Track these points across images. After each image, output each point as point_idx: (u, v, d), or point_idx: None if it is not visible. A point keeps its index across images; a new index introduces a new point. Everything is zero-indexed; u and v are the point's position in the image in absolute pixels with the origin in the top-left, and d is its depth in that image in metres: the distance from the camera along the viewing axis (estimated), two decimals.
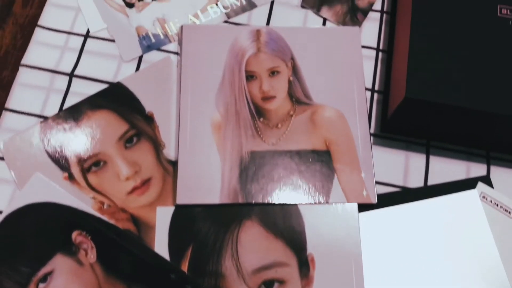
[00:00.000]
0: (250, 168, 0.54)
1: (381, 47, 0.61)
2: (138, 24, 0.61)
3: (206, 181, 0.53)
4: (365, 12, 0.63)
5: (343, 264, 0.50)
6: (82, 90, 0.57)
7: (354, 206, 0.52)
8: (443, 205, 0.53)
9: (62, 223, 0.51)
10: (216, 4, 0.62)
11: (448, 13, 0.53)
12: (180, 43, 0.60)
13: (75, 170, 0.53)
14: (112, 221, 0.52)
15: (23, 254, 0.50)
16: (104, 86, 0.58)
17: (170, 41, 0.60)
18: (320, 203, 0.52)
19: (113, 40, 0.60)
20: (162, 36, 0.60)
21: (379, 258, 0.51)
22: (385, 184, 0.55)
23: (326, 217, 0.52)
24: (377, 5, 0.64)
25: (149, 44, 0.60)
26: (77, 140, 0.54)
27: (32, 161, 0.54)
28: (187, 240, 0.51)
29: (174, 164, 0.54)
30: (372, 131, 0.57)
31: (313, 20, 0.62)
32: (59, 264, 0.50)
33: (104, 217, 0.52)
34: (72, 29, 0.61)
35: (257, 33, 0.59)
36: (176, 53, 0.60)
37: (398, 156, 0.56)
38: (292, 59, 0.59)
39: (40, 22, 0.61)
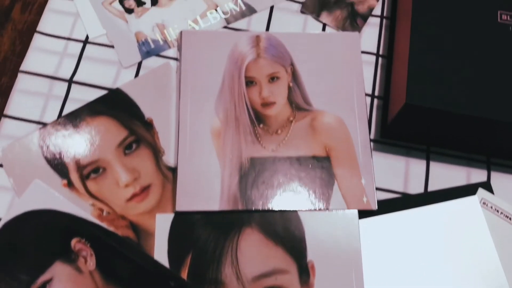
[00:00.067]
0: (250, 174, 0.54)
1: (381, 52, 0.61)
2: (137, 30, 0.61)
3: (206, 187, 0.53)
4: (364, 17, 0.63)
5: (343, 271, 0.50)
6: (81, 97, 0.57)
7: (355, 212, 0.52)
8: (444, 211, 0.53)
9: (61, 230, 0.51)
10: (216, 10, 0.62)
11: (448, 19, 0.53)
12: (179, 48, 0.60)
13: (74, 177, 0.53)
14: (111, 228, 0.52)
15: (22, 261, 0.50)
16: (103, 92, 0.57)
17: (169, 47, 0.60)
18: (320, 209, 0.52)
19: (112, 46, 0.60)
20: (161, 42, 0.60)
21: (380, 265, 0.51)
22: (385, 190, 0.55)
23: (326, 224, 0.52)
24: (377, 10, 0.64)
25: (148, 50, 0.60)
26: (76, 147, 0.54)
27: (31, 168, 0.54)
28: (187, 247, 0.51)
29: (174, 170, 0.54)
30: (372, 136, 0.57)
31: (312, 25, 0.62)
32: (58, 271, 0.49)
33: (104, 224, 0.52)
34: (71, 35, 0.60)
35: (257, 38, 0.59)
36: (176, 59, 0.60)
37: (398, 162, 0.56)
38: (292, 64, 0.59)
39: (39, 28, 0.60)
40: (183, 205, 0.52)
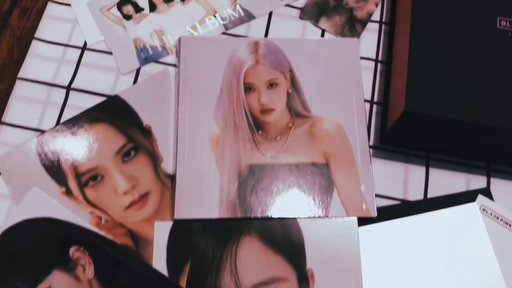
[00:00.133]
0: (249, 181, 0.53)
1: (380, 58, 0.61)
2: (136, 36, 0.60)
3: (205, 195, 0.52)
4: (363, 23, 0.62)
5: (343, 279, 0.50)
6: (79, 103, 0.57)
7: (354, 220, 0.52)
8: (443, 218, 0.53)
9: (60, 238, 0.51)
10: (214, 16, 0.62)
11: (448, 25, 0.53)
12: (178, 55, 0.60)
13: (73, 185, 0.53)
14: (110, 236, 0.51)
15: (20, 270, 0.50)
16: (101, 99, 0.57)
17: (168, 53, 0.60)
18: (319, 217, 0.52)
19: (110, 53, 0.60)
20: (160, 48, 0.60)
21: (380, 273, 0.51)
22: (385, 197, 0.54)
23: (325, 231, 0.52)
24: (376, 16, 0.63)
25: (146, 56, 0.60)
26: (74, 154, 0.54)
27: (29, 176, 0.53)
28: (186, 255, 0.51)
29: (172, 178, 0.54)
30: (371, 143, 0.57)
31: (311, 31, 0.62)
32: (57, 280, 0.49)
33: (102, 232, 0.51)
34: (69, 42, 0.60)
35: (255, 45, 0.59)
36: (174, 65, 0.60)
37: (397, 168, 0.56)
38: (291, 71, 0.58)
39: (37, 35, 0.60)
40: (181, 213, 0.52)
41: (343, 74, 0.59)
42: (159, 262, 0.50)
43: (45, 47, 0.60)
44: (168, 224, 0.52)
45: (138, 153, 0.54)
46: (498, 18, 0.53)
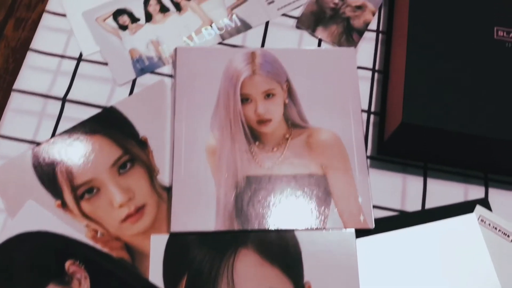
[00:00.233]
0: (245, 193, 0.53)
1: (377, 67, 0.61)
2: (132, 47, 0.60)
3: (201, 207, 0.52)
4: (360, 32, 0.62)
5: None
6: (75, 115, 0.57)
7: (351, 232, 0.52)
8: (441, 229, 0.53)
9: (55, 252, 0.51)
10: (211, 26, 0.62)
11: (445, 36, 0.53)
12: (174, 65, 0.59)
13: (68, 197, 0.53)
14: (105, 250, 0.51)
15: (16, 284, 0.49)
16: (97, 110, 0.57)
17: (164, 64, 0.60)
18: (317, 228, 0.52)
19: (106, 63, 0.59)
20: (156, 59, 0.60)
21: (377, 285, 0.50)
22: (382, 208, 0.54)
23: (323, 244, 0.51)
24: (373, 25, 0.63)
25: (142, 67, 0.59)
26: (70, 167, 0.54)
27: (24, 189, 0.53)
28: (182, 269, 0.50)
29: (169, 190, 0.54)
30: (368, 153, 0.57)
31: (308, 40, 0.62)
32: None
33: (98, 246, 0.51)
34: (65, 52, 0.60)
35: (252, 55, 0.59)
36: (170, 76, 0.59)
37: (395, 179, 0.56)
38: (288, 81, 0.58)
39: (32, 46, 0.60)
40: (178, 225, 0.51)
41: (340, 84, 0.58)
42: (155, 275, 0.50)
43: (41, 58, 0.59)
44: (165, 237, 0.51)
45: (134, 165, 0.54)
46: (495, 28, 0.53)
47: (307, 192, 0.53)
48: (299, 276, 0.50)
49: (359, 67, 0.61)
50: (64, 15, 0.62)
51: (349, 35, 0.62)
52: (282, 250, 0.51)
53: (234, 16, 0.62)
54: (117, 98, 0.58)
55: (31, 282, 0.49)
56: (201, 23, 0.62)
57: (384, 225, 0.53)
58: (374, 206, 0.54)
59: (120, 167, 0.54)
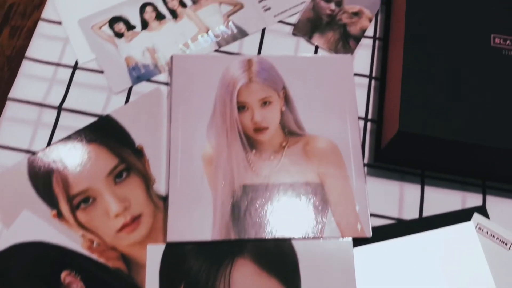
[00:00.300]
0: (242, 202, 0.53)
1: (374, 74, 0.61)
2: (128, 55, 0.60)
3: (197, 217, 0.52)
4: (357, 39, 0.62)
5: None
6: (70, 124, 0.56)
7: (349, 241, 0.52)
8: (439, 238, 0.53)
9: (51, 263, 0.50)
10: (207, 33, 0.62)
11: (441, 43, 0.53)
12: (170, 73, 0.59)
13: (64, 207, 0.52)
14: (101, 260, 0.51)
15: None
16: (93, 119, 0.57)
17: (160, 72, 0.59)
18: (314, 237, 0.52)
19: (102, 72, 0.59)
20: (152, 67, 0.60)
21: None
22: (380, 216, 0.54)
23: (320, 253, 0.51)
24: (370, 31, 0.63)
25: (138, 75, 0.59)
26: (65, 176, 0.53)
27: (19, 198, 0.53)
28: (179, 279, 0.50)
29: (165, 199, 0.53)
30: (365, 161, 0.57)
31: (305, 47, 0.62)
32: None
33: (94, 256, 0.51)
34: (60, 61, 0.60)
35: (248, 62, 0.59)
36: (167, 84, 0.59)
37: (392, 186, 0.55)
38: (284, 88, 0.58)
39: (27, 54, 0.60)
40: (174, 235, 0.51)
41: (337, 91, 0.58)
42: (152, 286, 0.50)
43: (36, 67, 0.59)
44: (161, 247, 0.51)
45: (130, 174, 0.54)
46: (492, 36, 0.53)
47: (304, 200, 0.53)
48: (297, 285, 0.50)
49: (356, 74, 0.61)
50: (59, 23, 0.62)
51: (346, 42, 0.62)
52: (279, 260, 0.51)
53: (230, 23, 0.62)
54: (113, 106, 0.57)
55: None
56: (197, 30, 0.62)
57: (381, 233, 0.53)
58: (371, 214, 0.54)
59: (116, 176, 0.54)
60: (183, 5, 0.63)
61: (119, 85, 0.58)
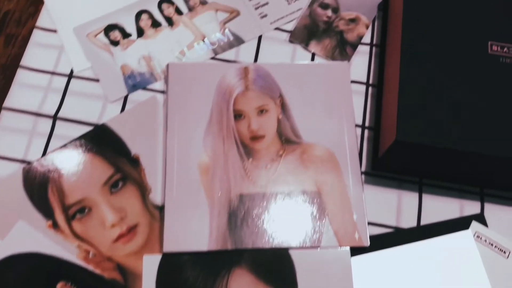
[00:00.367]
0: (239, 212, 0.52)
1: (371, 81, 0.60)
2: (123, 63, 0.60)
3: (194, 227, 0.51)
4: (354, 46, 0.62)
5: None
6: (66, 133, 0.56)
7: (347, 250, 0.51)
8: (437, 247, 0.52)
9: (47, 274, 0.50)
10: (203, 40, 0.61)
11: (439, 50, 0.52)
12: (166, 81, 0.59)
13: (60, 218, 0.52)
14: (97, 271, 0.50)
15: None
16: (88, 128, 0.56)
17: (156, 80, 0.59)
18: (311, 247, 0.51)
19: (97, 80, 0.59)
20: (147, 75, 0.59)
21: None
22: (378, 224, 0.54)
23: (318, 263, 0.51)
24: (367, 38, 0.63)
25: (134, 83, 0.59)
26: (61, 186, 0.53)
27: (14, 209, 0.52)
28: None
29: (161, 209, 0.53)
30: (363, 169, 0.56)
31: (301, 54, 0.61)
32: None
33: (90, 267, 0.50)
34: (55, 69, 0.59)
35: (245, 70, 0.58)
36: (163, 92, 0.59)
37: (390, 195, 0.55)
38: (281, 96, 0.58)
39: (22, 62, 0.59)
40: (170, 245, 0.51)
41: (333, 98, 0.58)
42: None
43: (31, 75, 0.59)
44: (157, 258, 0.51)
45: (126, 184, 0.54)
46: (489, 43, 0.53)
47: (301, 209, 0.53)
48: None
49: (353, 81, 0.60)
50: (54, 31, 0.61)
51: (343, 49, 0.61)
52: (276, 269, 0.50)
53: (226, 30, 0.62)
54: (109, 115, 0.57)
55: None
56: (193, 38, 0.61)
57: (379, 242, 0.53)
58: (369, 223, 0.53)
59: (112, 186, 0.53)
60: (179, 12, 0.62)
61: (115, 93, 0.58)
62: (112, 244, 0.51)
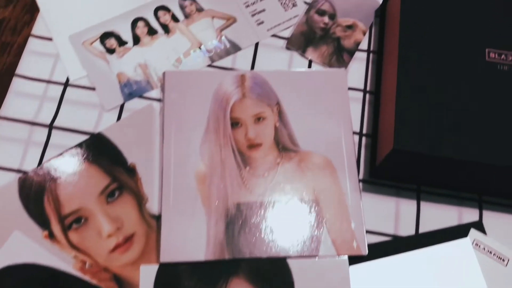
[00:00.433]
0: (236, 221, 0.52)
1: (368, 88, 0.60)
2: (119, 71, 0.59)
3: (191, 236, 0.51)
4: (351, 52, 0.61)
5: None
6: (62, 142, 0.56)
7: (345, 259, 0.51)
8: (436, 255, 0.52)
9: (43, 285, 0.50)
10: (200, 48, 0.61)
11: (436, 58, 0.52)
12: (162, 89, 0.58)
13: (56, 228, 0.52)
14: (94, 281, 0.50)
15: None
16: (84, 137, 0.56)
17: (152, 88, 0.59)
18: (309, 256, 0.51)
19: (93, 88, 0.58)
20: (144, 83, 0.59)
21: None
22: (376, 232, 0.53)
23: (316, 272, 0.50)
24: (364, 45, 0.63)
25: (130, 91, 0.58)
26: (57, 196, 0.53)
27: (10, 219, 0.52)
28: None
29: (158, 218, 0.53)
30: (361, 176, 0.56)
31: (298, 61, 0.61)
32: None
33: (86, 277, 0.50)
34: (51, 78, 0.59)
35: (242, 78, 0.58)
36: (159, 100, 0.58)
37: (388, 202, 0.55)
38: (278, 103, 0.57)
39: (18, 71, 0.59)
40: (167, 256, 0.50)
41: (331, 106, 0.58)
42: None
43: (27, 84, 0.58)
44: (154, 268, 0.50)
45: (122, 193, 0.53)
46: (486, 50, 0.52)
47: (299, 218, 0.53)
48: None
49: (350, 88, 0.60)
50: (50, 39, 0.61)
51: (340, 56, 0.61)
52: (274, 279, 0.50)
53: (223, 37, 0.62)
54: (105, 123, 0.57)
55: None
56: (189, 45, 0.61)
57: (377, 251, 0.52)
58: (367, 231, 0.53)
59: (108, 196, 0.53)
60: (175, 19, 0.62)
61: (111, 102, 0.58)
62: (109, 255, 0.51)
